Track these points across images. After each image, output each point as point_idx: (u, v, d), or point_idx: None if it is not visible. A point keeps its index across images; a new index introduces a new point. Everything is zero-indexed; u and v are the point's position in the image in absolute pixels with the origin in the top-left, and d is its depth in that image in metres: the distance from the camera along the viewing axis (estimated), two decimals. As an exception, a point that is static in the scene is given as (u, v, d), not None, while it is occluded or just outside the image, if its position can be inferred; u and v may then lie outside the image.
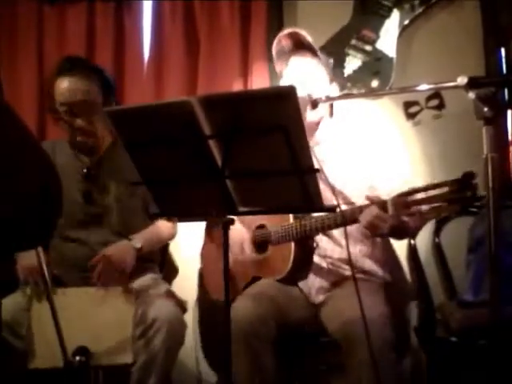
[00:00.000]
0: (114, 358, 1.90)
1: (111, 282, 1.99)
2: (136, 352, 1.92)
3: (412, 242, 2.49)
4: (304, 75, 1.99)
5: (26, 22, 2.90)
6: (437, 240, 2.53)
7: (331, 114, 2.12)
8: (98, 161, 2.25)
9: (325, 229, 1.89)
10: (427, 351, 2.25)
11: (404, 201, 1.68)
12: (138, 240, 2.12)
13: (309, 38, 2.01)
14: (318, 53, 2.03)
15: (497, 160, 1.40)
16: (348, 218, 1.80)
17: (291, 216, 1.95)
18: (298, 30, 2.02)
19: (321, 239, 2.00)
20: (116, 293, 1.99)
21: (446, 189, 1.59)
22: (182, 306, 2.13)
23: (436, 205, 1.61)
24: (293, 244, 1.94)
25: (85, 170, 2.21)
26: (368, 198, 1.78)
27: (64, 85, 2.11)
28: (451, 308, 2.19)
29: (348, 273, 2.00)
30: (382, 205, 1.73)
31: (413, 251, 2.49)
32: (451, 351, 2.08)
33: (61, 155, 2.23)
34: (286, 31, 2.02)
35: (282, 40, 2.03)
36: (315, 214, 1.91)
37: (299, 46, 2.03)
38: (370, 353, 1.65)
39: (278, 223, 1.98)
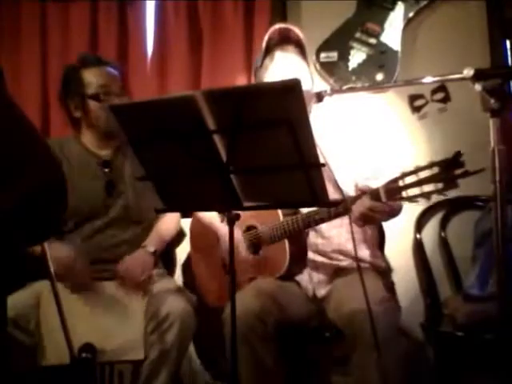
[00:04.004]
0: (124, 354, 1.90)
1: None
2: (148, 347, 1.92)
3: (418, 236, 2.49)
4: (288, 72, 1.96)
5: (30, 19, 2.89)
6: (443, 234, 2.53)
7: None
8: (114, 150, 2.28)
9: (318, 222, 1.88)
10: (434, 345, 2.25)
11: (396, 186, 1.66)
12: (152, 244, 2.15)
13: (299, 34, 1.99)
14: (304, 50, 2.01)
15: (504, 153, 1.39)
16: (341, 210, 1.80)
17: (280, 214, 1.95)
18: (290, 26, 2.03)
19: (307, 234, 1.99)
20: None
21: (436, 169, 1.58)
22: (191, 301, 2.13)
23: (428, 186, 1.60)
24: (286, 241, 1.94)
25: (100, 167, 2.23)
26: (359, 188, 1.78)
27: (99, 71, 2.26)
28: (457, 302, 2.18)
29: (344, 263, 2.01)
30: (374, 193, 1.72)
31: (419, 245, 2.49)
32: (458, 345, 2.07)
33: (70, 152, 2.24)
34: (278, 26, 2.03)
35: (270, 34, 2.03)
36: (305, 209, 1.90)
37: (286, 40, 2.02)
38: (376, 340, 1.64)
39: (268, 223, 1.97)
